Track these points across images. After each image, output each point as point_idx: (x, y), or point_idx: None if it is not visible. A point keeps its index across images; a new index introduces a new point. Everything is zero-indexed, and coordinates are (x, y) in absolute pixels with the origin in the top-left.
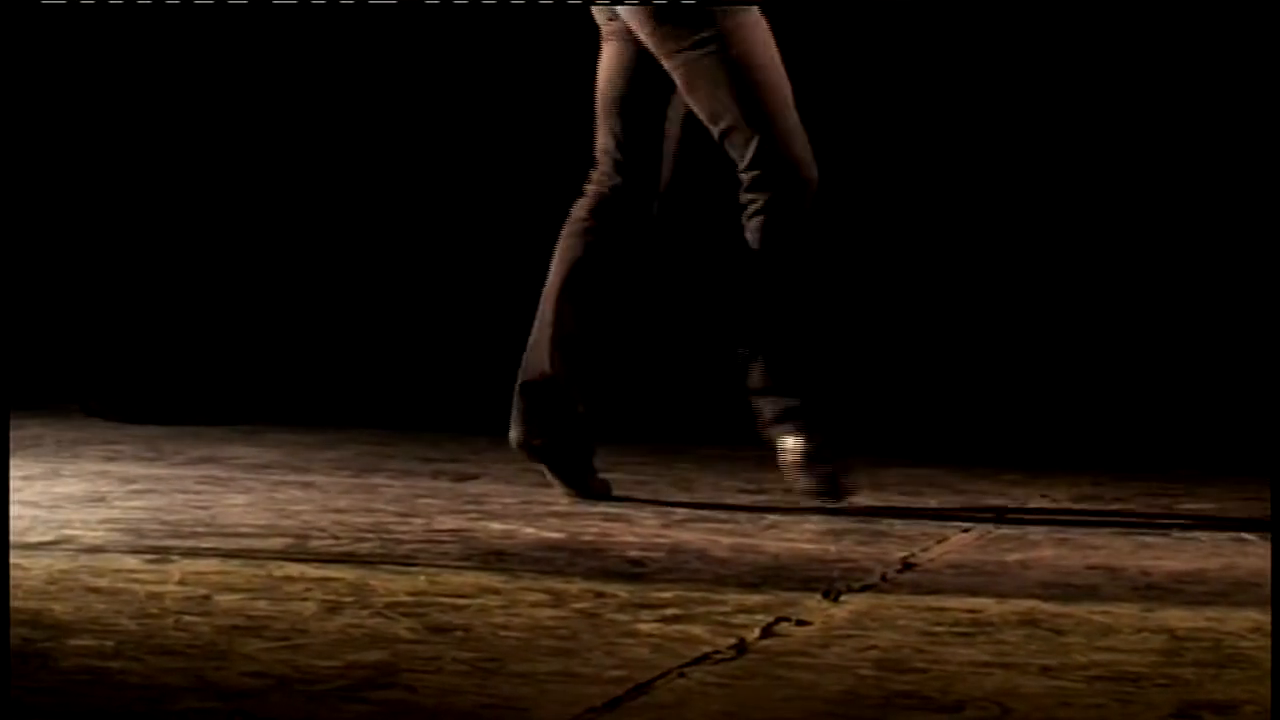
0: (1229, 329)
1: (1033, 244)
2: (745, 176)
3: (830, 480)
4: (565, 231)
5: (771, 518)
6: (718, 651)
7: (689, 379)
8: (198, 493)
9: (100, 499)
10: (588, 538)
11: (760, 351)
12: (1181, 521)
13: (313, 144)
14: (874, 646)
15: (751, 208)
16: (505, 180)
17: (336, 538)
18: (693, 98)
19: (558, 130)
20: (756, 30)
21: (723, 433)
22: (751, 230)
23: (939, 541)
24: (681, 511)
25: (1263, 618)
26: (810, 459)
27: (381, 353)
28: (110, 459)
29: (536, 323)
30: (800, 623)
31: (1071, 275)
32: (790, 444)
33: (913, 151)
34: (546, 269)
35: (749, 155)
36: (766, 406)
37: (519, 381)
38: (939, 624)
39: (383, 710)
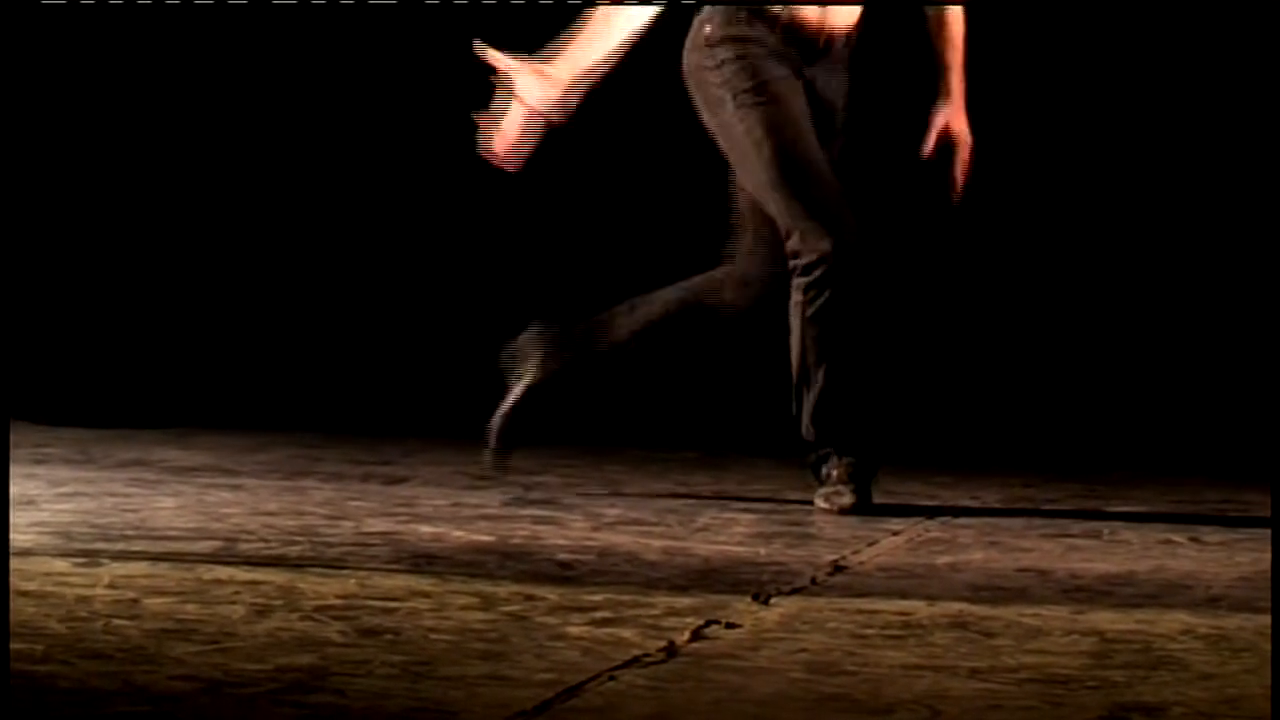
0: (1163, 332)
1: (965, 245)
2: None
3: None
4: None
5: (702, 520)
6: (647, 654)
7: (623, 381)
8: (127, 496)
9: (29, 502)
10: (517, 541)
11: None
12: (1111, 524)
13: (248, 147)
14: (804, 649)
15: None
16: (429, 184)
17: (266, 541)
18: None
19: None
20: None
21: (654, 435)
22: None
23: (869, 544)
24: (612, 514)
25: (1193, 620)
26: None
27: (312, 355)
28: (39, 461)
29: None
30: (730, 625)
31: (1009, 279)
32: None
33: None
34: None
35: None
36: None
37: None
38: (869, 627)
39: (312, 714)
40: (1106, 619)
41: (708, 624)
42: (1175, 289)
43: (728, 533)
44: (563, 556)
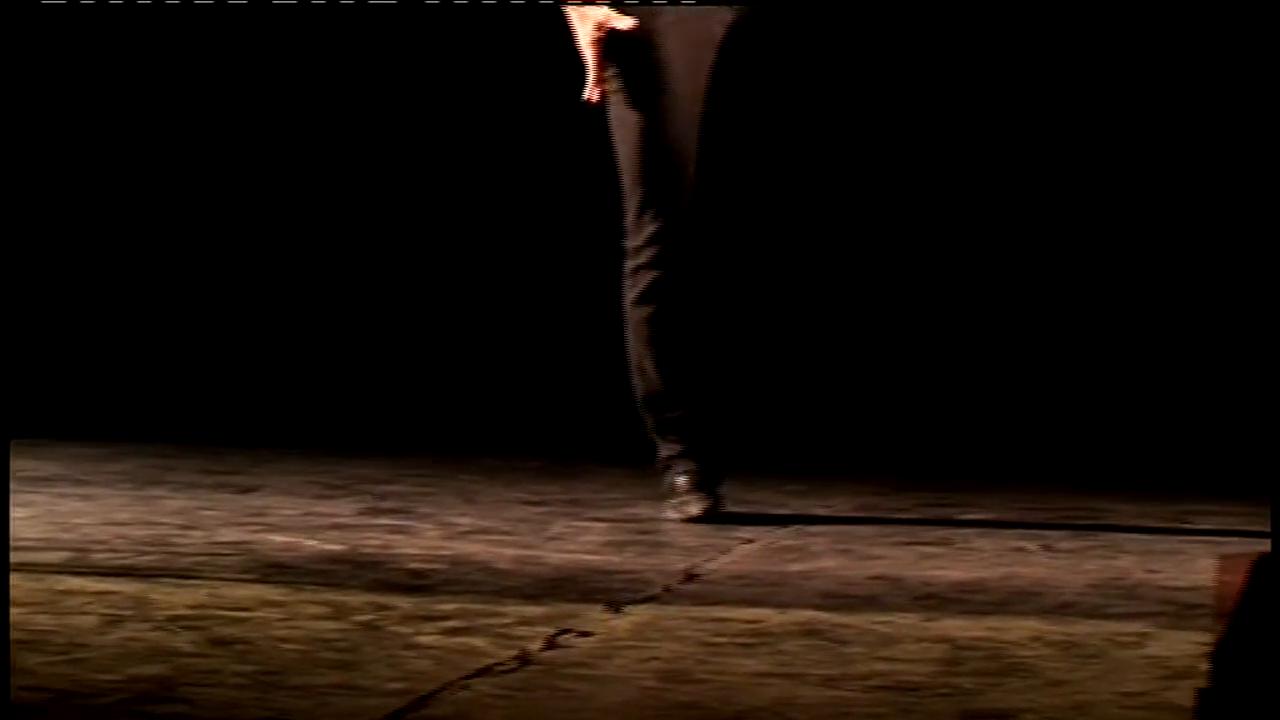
0: (1009, 336)
1: (809, 246)
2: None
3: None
4: None
5: (554, 529)
6: (500, 663)
7: (472, 390)
8: None
9: None
10: (369, 550)
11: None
12: (962, 531)
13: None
14: (656, 658)
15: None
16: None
17: (117, 551)
18: None
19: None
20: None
21: (505, 444)
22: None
23: (721, 552)
24: (464, 523)
25: (1043, 626)
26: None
27: (163, 364)
28: None
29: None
30: (582, 634)
31: (855, 284)
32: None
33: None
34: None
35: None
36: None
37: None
38: (721, 635)
39: None
40: (957, 626)
41: (560, 633)
42: (1017, 295)
43: (580, 541)
44: (415, 565)
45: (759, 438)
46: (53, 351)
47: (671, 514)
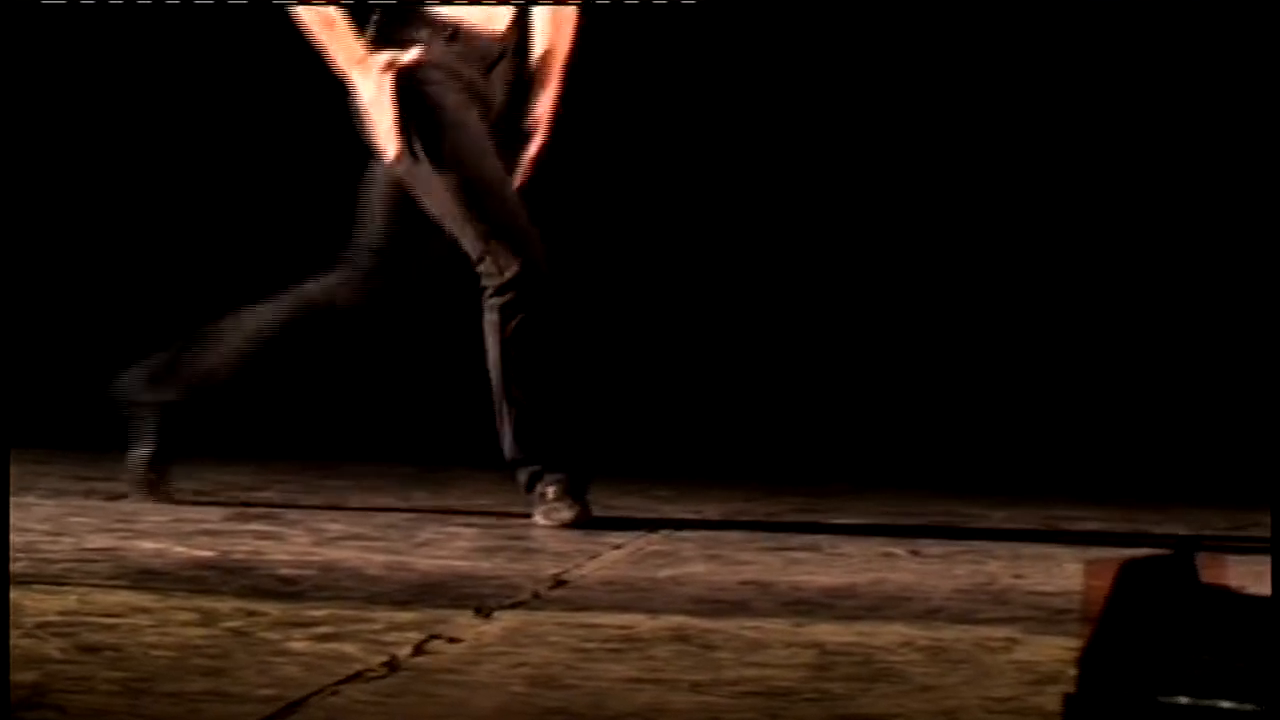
0: (881, 342)
1: (679, 252)
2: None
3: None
4: None
5: (423, 535)
6: (370, 669)
7: (340, 395)
8: None
9: None
10: (239, 556)
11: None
12: (831, 537)
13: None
14: (525, 663)
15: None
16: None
17: None
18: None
19: None
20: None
21: (374, 449)
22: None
23: (591, 558)
24: (333, 529)
25: (911, 632)
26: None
27: (35, 368)
28: None
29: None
30: (452, 640)
31: (720, 289)
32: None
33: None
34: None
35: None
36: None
37: None
38: (590, 640)
39: None
40: (827, 631)
41: (429, 638)
42: (889, 299)
43: (449, 547)
44: (284, 571)
45: (628, 443)
46: None
47: (541, 521)
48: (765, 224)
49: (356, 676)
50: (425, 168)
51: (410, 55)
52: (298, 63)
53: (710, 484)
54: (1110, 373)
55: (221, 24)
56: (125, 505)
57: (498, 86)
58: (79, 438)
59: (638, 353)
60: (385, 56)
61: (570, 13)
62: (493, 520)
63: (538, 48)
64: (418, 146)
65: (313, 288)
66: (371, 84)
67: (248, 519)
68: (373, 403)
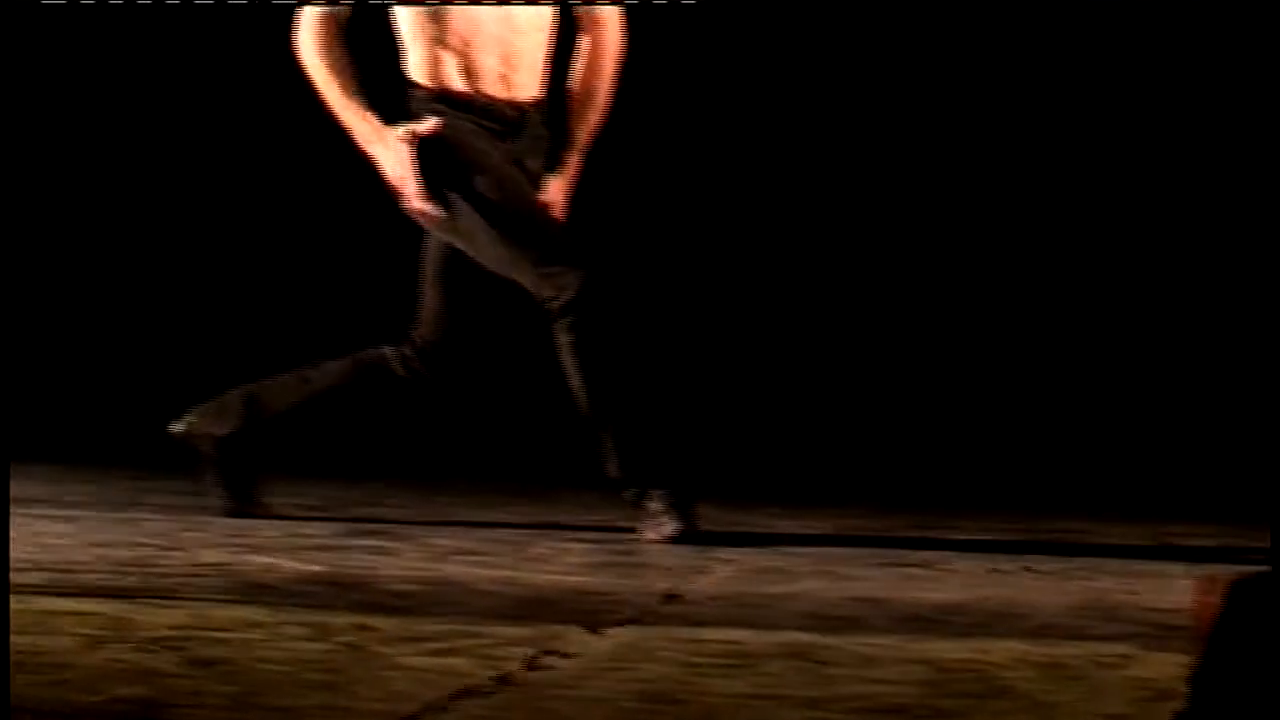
0: (992, 360)
1: (788, 273)
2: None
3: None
4: None
5: (535, 550)
6: (481, 684)
7: (456, 412)
8: None
9: None
10: (351, 571)
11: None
12: (944, 553)
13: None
14: (636, 679)
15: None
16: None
17: (99, 572)
18: None
19: None
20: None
21: (487, 466)
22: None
23: (702, 573)
24: (445, 545)
25: (1026, 648)
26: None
27: (147, 385)
28: None
29: None
30: (564, 655)
31: (839, 310)
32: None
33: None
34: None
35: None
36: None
37: None
38: (702, 656)
39: None
40: (940, 648)
41: (541, 654)
42: (998, 322)
43: (561, 562)
44: (397, 587)
45: (741, 460)
46: (34, 373)
47: (649, 535)
48: (877, 239)
49: (468, 691)
50: (461, 218)
51: (427, 125)
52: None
53: (823, 501)
54: (1220, 386)
55: (221, 24)
56: (238, 521)
57: (527, 150)
58: (190, 454)
59: (753, 370)
60: (401, 130)
61: (601, 98)
62: (604, 536)
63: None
64: (449, 198)
65: (381, 353)
66: (392, 155)
67: (360, 534)
68: (485, 419)
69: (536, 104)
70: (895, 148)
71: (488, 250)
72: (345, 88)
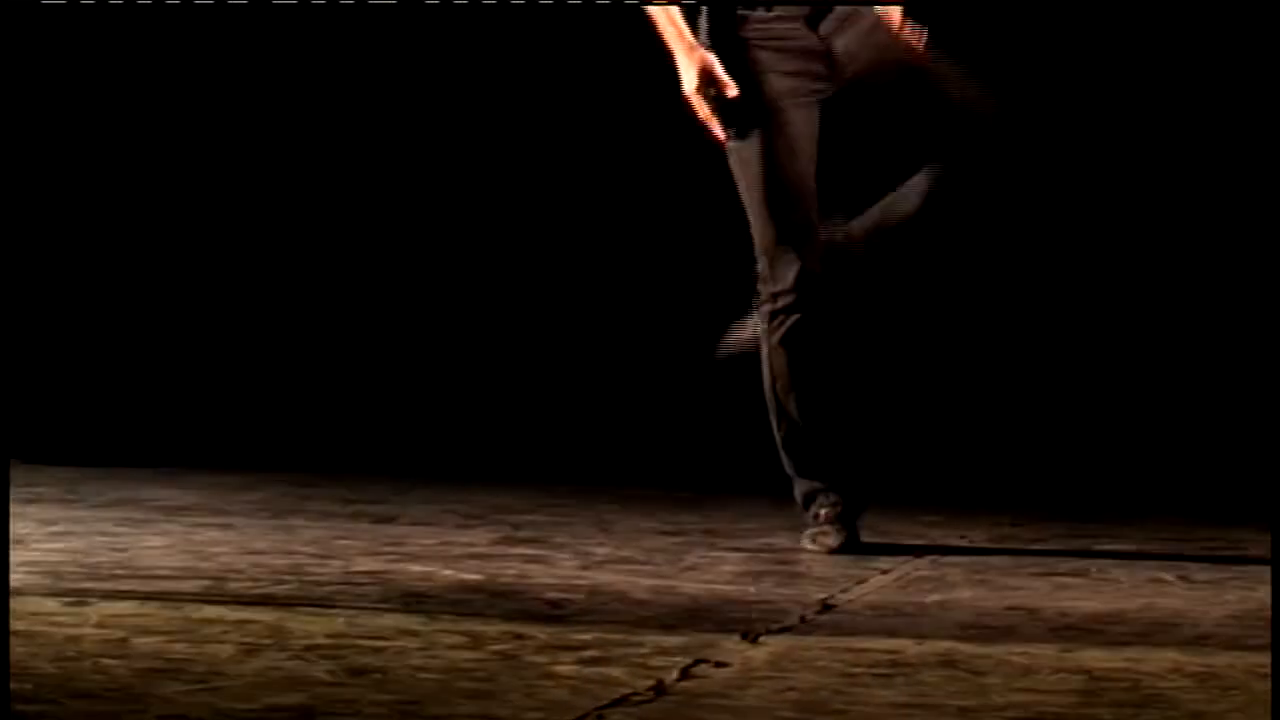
0: (1147, 370)
1: (943, 281)
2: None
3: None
4: None
5: (690, 559)
6: (636, 693)
7: (608, 419)
8: (116, 535)
9: (19, 541)
10: (506, 579)
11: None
12: (1099, 562)
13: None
14: (793, 688)
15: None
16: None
17: (254, 580)
18: None
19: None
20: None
21: (642, 473)
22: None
23: (858, 583)
24: (600, 553)
25: (1181, 658)
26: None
27: (301, 392)
28: (29, 501)
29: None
30: (719, 664)
31: (991, 319)
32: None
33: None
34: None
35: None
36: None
37: None
38: (858, 665)
39: None
40: (1095, 657)
41: (696, 663)
42: (1155, 330)
43: (716, 571)
44: (551, 595)
45: (896, 468)
46: (191, 382)
47: (809, 545)
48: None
49: (623, 700)
50: (742, 153)
51: (732, 92)
52: (297, 63)
53: (977, 509)
54: None
55: (221, 24)
56: (392, 528)
57: (837, 41)
58: (344, 461)
59: (903, 376)
60: (710, 60)
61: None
62: (759, 544)
63: None
64: (740, 132)
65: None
66: (693, 74)
67: (515, 543)
68: (640, 426)
69: None
70: None
71: (747, 192)
72: None
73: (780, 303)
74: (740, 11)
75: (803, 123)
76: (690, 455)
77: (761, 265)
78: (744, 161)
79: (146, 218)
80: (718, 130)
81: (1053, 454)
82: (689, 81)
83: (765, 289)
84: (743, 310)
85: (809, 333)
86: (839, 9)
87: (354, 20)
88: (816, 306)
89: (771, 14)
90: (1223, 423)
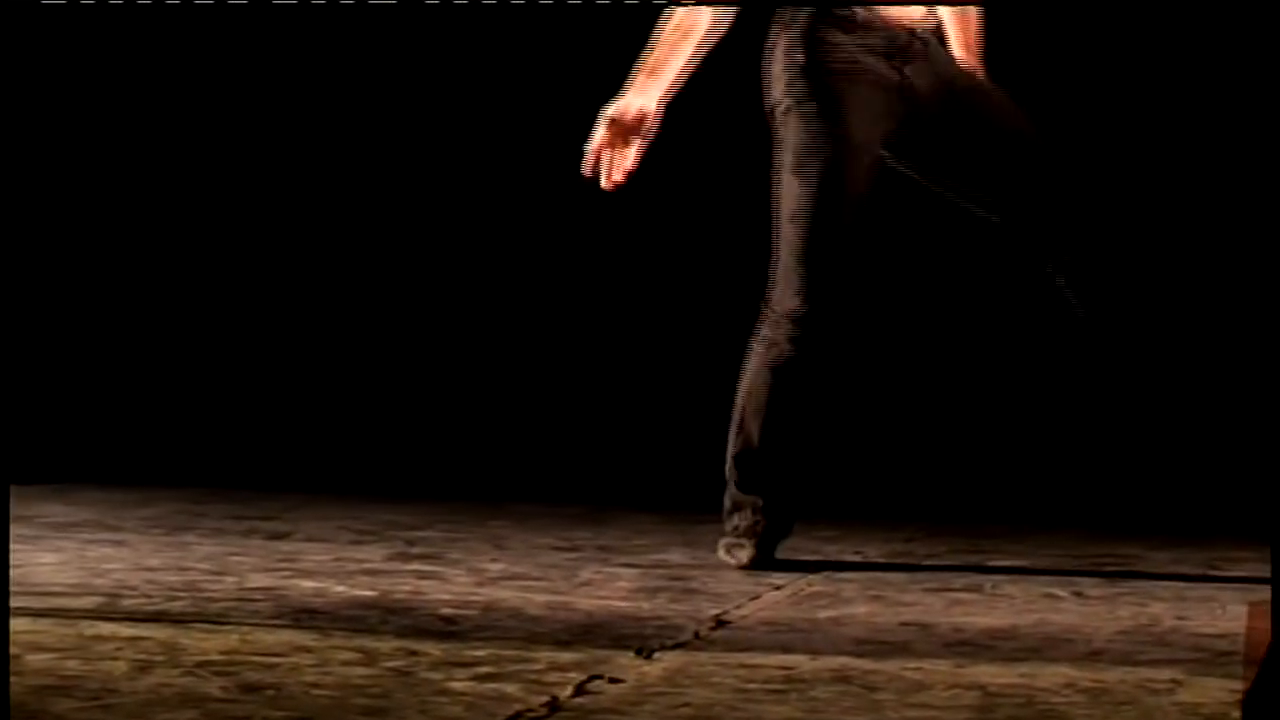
0: (1035, 385)
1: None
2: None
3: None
4: None
5: (584, 575)
6: (530, 710)
7: (500, 435)
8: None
9: None
10: (400, 596)
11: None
12: (994, 578)
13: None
14: (687, 704)
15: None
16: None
17: (148, 596)
18: None
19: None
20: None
21: (535, 489)
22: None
23: (752, 598)
24: (495, 569)
25: (1075, 673)
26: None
27: (194, 409)
28: None
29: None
30: (613, 680)
31: (884, 328)
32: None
33: None
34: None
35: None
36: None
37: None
38: (752, 681)
39: None
40: (989, 673)
41: (591, 679)
42: (1047, 345)
43: (610, 587)
44: (446, 611)
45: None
46: (81, 398)
47: (722, 555)
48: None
49: (517, 716)
50: (804, 172)
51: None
52: (296, 63)
53: (872, 525)
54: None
55: (221, 24)
56: (285, 545)
57: (918, 81)
58: (238, 477)
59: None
60: (650, 112)
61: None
62: (653, 560)
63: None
64: (809, 161)
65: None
66: (630, 106)
67: (409, 559)
68: (533, 442)
69: (925, 22)
70: None
71: (788, 201)
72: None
73: (781, 330)
74: (826, 34)
75: (869, 166)
76: (584, 471)
77: (771, 285)
78: (802, 183)
79: (74, 225)
80: (595, 167)
81: (948, 470)
82: (618, 107)
83: (764, 309)
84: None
85: (799, 369)
86: (916, 46)
87: (354, 20)
88: (815, 348)
89: (855, 40)
90: (1117, 438)
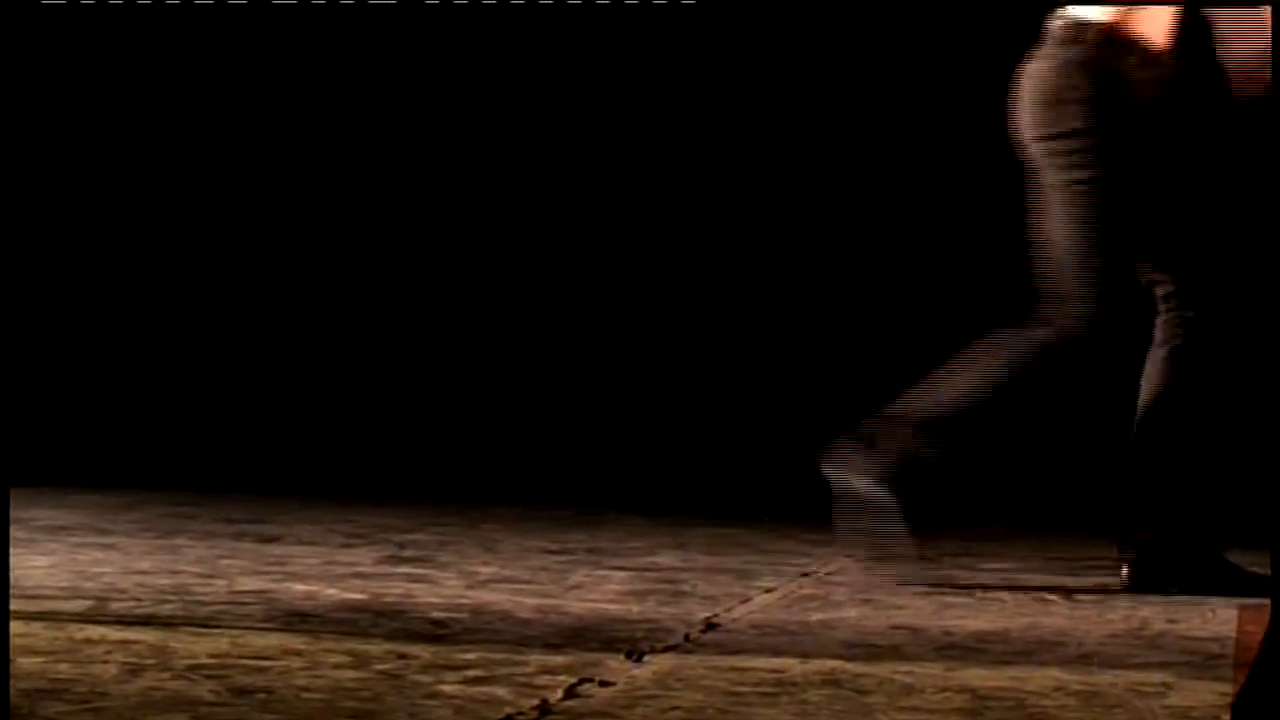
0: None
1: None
2: None
3: None
4: None
5: (575, 578)
6: (520, 713)
7: (493, 439)
8: None
9: None
10: (390, 599)
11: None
12: (984, 582)
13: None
14: (677, 707)
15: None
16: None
17: (139, 599)
18: None
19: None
20: None
21: (526, 493)
22: None
23: (742, 601)
24: (485, 572)
25: (1065, 676)
26: None
27: (187, 413)
28: None
29: None
30: (603, 683)
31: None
32: None
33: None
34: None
35: None
36: None
37: None
38: (742, 684)
39: None
40: (979, 676)
41: (581, 682)
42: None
43: (601, 590)
44: (436, 615)
45: (777, 486)
46: (73, 401)
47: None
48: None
49: (507, 719)
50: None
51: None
52: (297, 63)
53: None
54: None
55: (221, 24)
56: (276, 548)
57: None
58: (229, 480)
59: (793, 398)
60: None
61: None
62: (644, 563)
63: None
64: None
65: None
66: None
67: (399, 562)
68: (525, 446)
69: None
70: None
71: (1059, 221)
72: None
73: (1033, 356)
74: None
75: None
76: (574, 474)
77: (1049, 311)
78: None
79: (67, 229)
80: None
81: (939, 473)
82: None
83: (1038, 326)
84: None
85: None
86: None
87: (354, 20)
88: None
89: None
90: (1109, 442)
